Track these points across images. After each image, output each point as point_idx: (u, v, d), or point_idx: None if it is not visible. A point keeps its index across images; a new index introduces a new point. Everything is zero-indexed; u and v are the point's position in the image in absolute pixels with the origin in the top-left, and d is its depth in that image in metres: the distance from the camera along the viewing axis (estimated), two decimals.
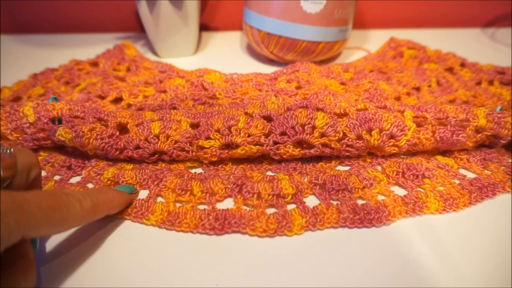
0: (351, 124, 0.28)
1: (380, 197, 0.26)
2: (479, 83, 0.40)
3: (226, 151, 0.28)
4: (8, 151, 0.19)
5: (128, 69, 0.43)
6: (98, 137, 0.27)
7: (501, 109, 0.29)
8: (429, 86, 0.40)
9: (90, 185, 0.28)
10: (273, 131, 0.28)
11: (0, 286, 0.16)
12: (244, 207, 0.26)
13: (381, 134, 0.28)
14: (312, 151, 0.28)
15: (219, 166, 0.30)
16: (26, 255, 0.18)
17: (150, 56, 0.49)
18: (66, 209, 0.18)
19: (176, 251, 0.23)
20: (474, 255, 0.23)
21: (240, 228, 0.24)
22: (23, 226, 0.15)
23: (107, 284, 0.21)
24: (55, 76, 0.41)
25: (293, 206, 0.26)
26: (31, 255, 0.19)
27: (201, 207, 0.26)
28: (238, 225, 0.24)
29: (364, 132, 0.28)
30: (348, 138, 0.28)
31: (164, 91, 0.39)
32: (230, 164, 0.30)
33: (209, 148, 0.28)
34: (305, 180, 0.28)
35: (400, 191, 0.27)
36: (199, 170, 0.29)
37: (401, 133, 0.28)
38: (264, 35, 0.43)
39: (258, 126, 0.28)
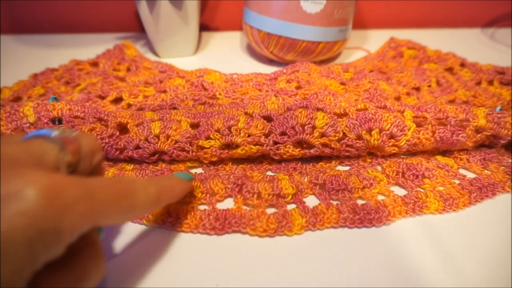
0: (351, 124, 0.28)
1: (380, 197, 0.26)
2: (479, 83, 0.40)
3: (226, 151, 0.28)
4: (72, 134, 0.18)
5: (128, 69, 0.43)
6: (98, 137, 0.28)
7: (501, 109, 0.29)
8: (429, 86, 0.40)
9: None
10: (273, 131, 0.28)
11: (71, 274, 0.16)
12: (244, 207, 0.26)
13: (381, 134, 0.28)
14: (312, 151, 0.28)
15: (219, 166, 0.30)
16: (94, 243, 0.17)
17: (150, 56, 0.49)
18: (133, 197, 0.17)
19: (176, 251, 0.23)
20: (474, 255, 0.23)
21: (241, 228, 0.24)
22: (95, 214, 0.15)
23: (106, 284, 0.21)
24: (55, 76, 0.41)
25: (293, 206, 0.26)
26: (99, 243, 0.18)
27: (202, 207, 0.26)
28: (239, 225, 0.24)
29: (364, 132, 0.28)
30: (348, 138, 0.28)
31: (164, 91, 0.39)
32: (230, 164, 0.30)
33: (209, 148, 0.28)
34: (305, 180, 0.28)
35: (400, 191, 0.27)
36: (199, 170, 0.29)
37: (401, 133, 0.28)
38: (264, 35, 0.43)
39: (258, 126, 0.28)
